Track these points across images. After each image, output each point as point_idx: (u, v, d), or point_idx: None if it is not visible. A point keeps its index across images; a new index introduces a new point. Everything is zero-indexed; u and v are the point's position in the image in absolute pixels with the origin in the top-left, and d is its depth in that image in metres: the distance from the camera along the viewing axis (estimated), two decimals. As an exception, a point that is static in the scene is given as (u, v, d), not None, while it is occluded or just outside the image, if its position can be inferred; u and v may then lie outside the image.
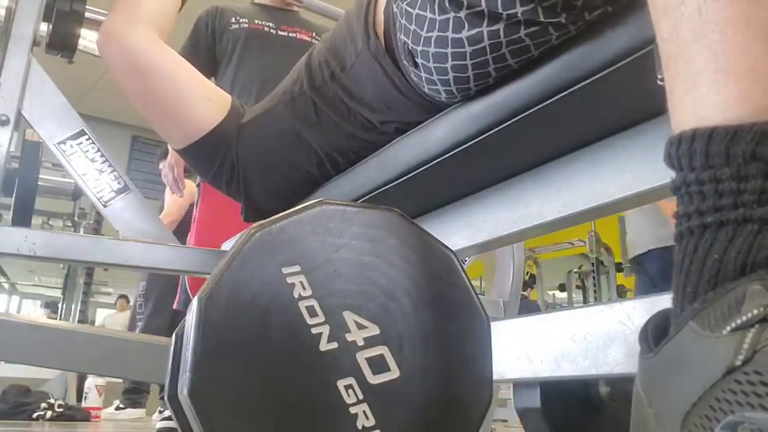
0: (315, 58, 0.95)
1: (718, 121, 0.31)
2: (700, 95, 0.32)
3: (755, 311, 0.27)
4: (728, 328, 0.28)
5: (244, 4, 2.01)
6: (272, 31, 1.94)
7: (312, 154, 0.96)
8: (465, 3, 0.61)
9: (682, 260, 0.32)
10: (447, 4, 0.62)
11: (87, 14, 1.11)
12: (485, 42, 0.62)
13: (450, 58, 0.66)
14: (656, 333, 0.33)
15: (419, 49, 0.69)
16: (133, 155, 6.83)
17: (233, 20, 1.92)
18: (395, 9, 0.74)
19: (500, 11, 0.59)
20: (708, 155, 0.31)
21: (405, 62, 0.75)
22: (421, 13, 0.66)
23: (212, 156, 1.01)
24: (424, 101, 0.78)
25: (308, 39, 1.95)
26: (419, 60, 0.70)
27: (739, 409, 0.26)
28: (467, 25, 0.62)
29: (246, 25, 1.92)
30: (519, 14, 0.59)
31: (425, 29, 0.66)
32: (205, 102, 1.00)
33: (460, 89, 0.69)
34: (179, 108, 0.99)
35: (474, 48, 0.63)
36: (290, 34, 1.95)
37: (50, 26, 1.09)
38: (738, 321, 0.28)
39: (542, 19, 0.58)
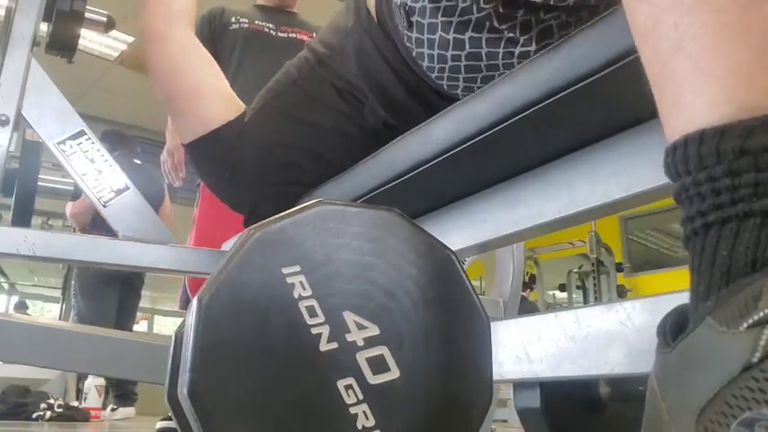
0: (302, 54, 0.99)
1: (706, 124, 0.31)
2: (686, 103, 0.32)
3: None
4: (745, 325, 0.28)
5: (245, 7, 2.02)
6: (272, 32, 1.94)
7: (308, 153, 0.97)
8: None
9: (692, 262, 0.33)
10: None
11: (87, 14, 1.11)
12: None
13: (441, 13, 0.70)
14: (675, 328, 0.34)
15: (417, 5, 0.71)
16: (133, 155, 6.82)
17: (233, 20, 1.93)
18: None
19: None
20: (700, 156, 0.31)
21: (400, 28, 0.77)
22: None
23: (213, 156, 1.01)
24: (410, 73, 0.82)
25: (308, 40, 1.96)
26: (414, 18, 0.72)
27: (756, 406, 0.26)
28: None
29: (246, 26, 1.92)
30: None
31: None
32: (219, 103, 1.03)
33: (453, 55, 0.73)
34: (198, 104, 1.01)
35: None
36: (290, 35, 1.96)
37: (50, 26, 1.08)
38: (756, 318, 0.27)
39: None
